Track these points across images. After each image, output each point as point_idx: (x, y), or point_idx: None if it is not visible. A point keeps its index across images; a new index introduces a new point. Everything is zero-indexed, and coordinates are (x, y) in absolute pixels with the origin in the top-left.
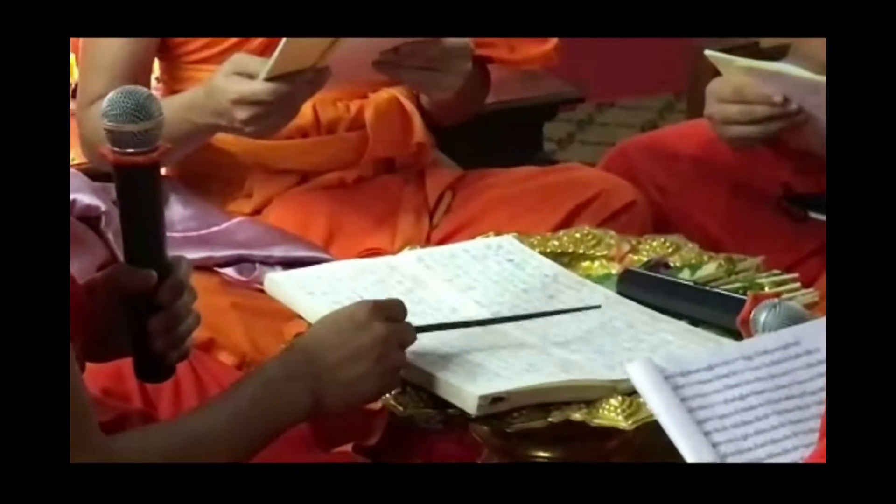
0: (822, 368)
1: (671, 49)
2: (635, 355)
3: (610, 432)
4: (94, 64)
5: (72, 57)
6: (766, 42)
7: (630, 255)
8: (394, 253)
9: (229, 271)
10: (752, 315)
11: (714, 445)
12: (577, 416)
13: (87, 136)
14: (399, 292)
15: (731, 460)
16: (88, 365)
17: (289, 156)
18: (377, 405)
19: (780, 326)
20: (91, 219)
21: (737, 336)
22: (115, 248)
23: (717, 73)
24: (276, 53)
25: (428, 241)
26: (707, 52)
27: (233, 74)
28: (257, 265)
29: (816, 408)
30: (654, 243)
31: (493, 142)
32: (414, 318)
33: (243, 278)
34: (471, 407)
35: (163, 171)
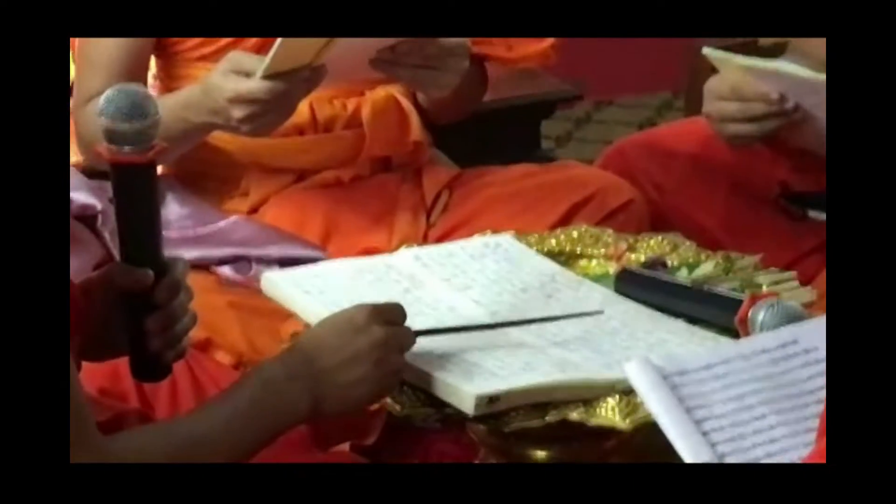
0: (821, 367)
1: (669, 47)
2: (633, 354)
3: (607, 432)
4: (91, 61)
5: None
6: (765, 40)
7: (628, 254)
8: (391, 252)
9: (226, 270)
10: (749, 314)
11: (712, 445)
12: (574, 415)
13: (83, 135)
14: (396, 291)
15: (729, 460)
16: (85, 364)
17: (285, 154)
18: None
19: (777, 325)
20: (87, 217)
21: (735, 335)
22: (112, 246)
23: (715, 71)
24: (272, 52)
25: (425, 240)
26: (705, 51)
27: (229, 72)
28: (254, 264)
29: (815, 407)
30: (652, 242)
31: (491, 140)
32: (411, 317)
33: (240, 277)
34: (468, 406)
35: (159, 169)
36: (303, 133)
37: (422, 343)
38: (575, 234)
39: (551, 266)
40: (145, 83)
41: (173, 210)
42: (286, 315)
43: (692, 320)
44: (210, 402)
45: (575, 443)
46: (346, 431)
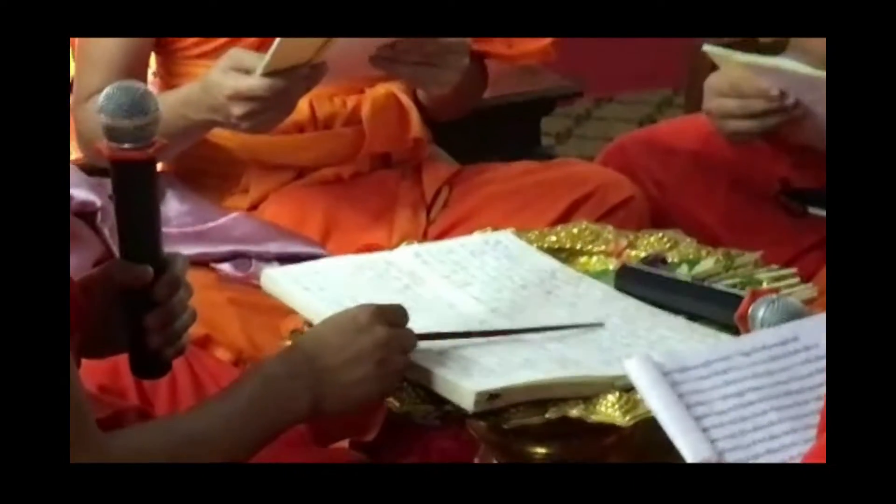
0: (821, 364)
1: (669, 44)
2: (633, 351)
3: (607, 428)
4: (91, 59)
5: None
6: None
7: (628, 251)
8: (391, 248)
9: (226, 267)
10: (750, 311)
11: (712, 441)
12: (574, 412)
13: (83, 132)
14: (396, 288)
15: (729, 456)
16: (84, 361)
17: (285, 151)
18: None
19: (778, 322)
20: (87, 214)
21: (735, 332)
22: (111, 243)
23: (715, 68)
24: (272, 49)
25: (425, 237)
26: (705, 47)
27: (229, 70)
28: (254, 261)
29: (815, 403)
30: (652, 238)
31: (491, 137)
32: (411, 314)
33: (240, 274)
34: (468, 403)
35: (159, 166)
36: (303, 130)
37: (422, 341)
38: (575, 230)
39: (551, 263)
40: (145, 80)
41: (173, 207)
42: (286, 312)
43: (692, 317)
44: (210, 400)
45: (575, 439)
46: (345, 428)
